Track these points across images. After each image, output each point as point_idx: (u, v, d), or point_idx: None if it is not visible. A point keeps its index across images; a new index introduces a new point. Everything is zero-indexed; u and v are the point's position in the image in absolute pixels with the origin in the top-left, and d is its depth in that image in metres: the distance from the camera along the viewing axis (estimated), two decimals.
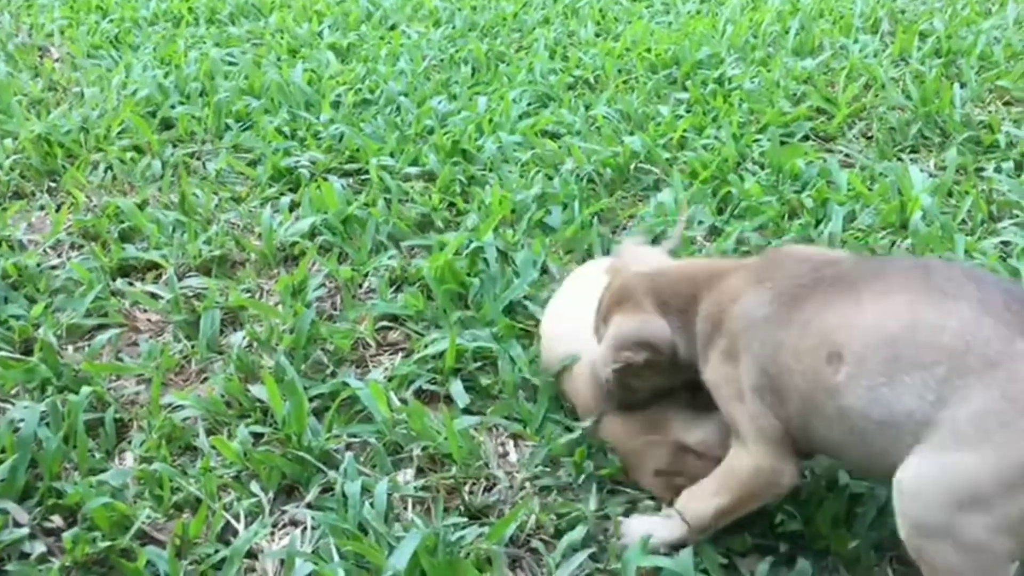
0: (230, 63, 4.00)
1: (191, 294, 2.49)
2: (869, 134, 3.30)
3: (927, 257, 2.42)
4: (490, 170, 3.07)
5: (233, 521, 1.78)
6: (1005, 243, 2.59)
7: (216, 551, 1.70)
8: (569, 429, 1.95)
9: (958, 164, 2.98)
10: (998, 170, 2.95)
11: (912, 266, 1.52)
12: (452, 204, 2.89)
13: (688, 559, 1.62)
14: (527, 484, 1.86)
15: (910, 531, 1.36)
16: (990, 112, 3.38)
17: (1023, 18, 4.28)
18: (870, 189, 2.85)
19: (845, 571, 1.63)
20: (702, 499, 1.63)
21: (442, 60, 4.05)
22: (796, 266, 1.59)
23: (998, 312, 1.36)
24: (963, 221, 2.70)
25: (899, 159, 3.11)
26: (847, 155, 3.16)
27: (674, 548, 1.64)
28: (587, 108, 3.51)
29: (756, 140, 3.19)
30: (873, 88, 3.56)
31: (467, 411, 2.06)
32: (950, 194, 2.85)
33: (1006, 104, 3.47)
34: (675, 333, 1.69)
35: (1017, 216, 2.71)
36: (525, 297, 2.37)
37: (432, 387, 2.13)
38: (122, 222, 2.81)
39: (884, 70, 3.67)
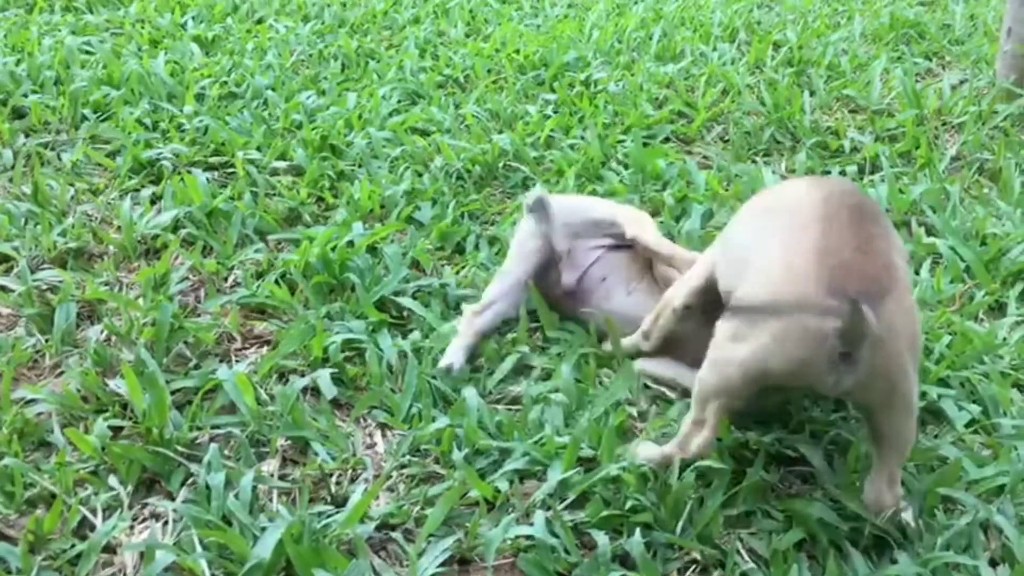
0: (87, 52, 3.86)
1: (45, 287, 2.40)
2: (726, 137, 3.45)
3: None
4: (359, 166, 3.06)
5: (90, 516, 1.73)
6: None
7: (72, 546, 1.65)
8: (434, 418, 1.98)
9: (807, 167, 3.15)
10: (843, 173, 3.14)
11: None
12: (320, 199, 2.88)
13: (543, 527, 1.70)
14: (394, 473, 1.88)
15: None
16: (836, 119, 3.57)
17: (868, 32, 4.54)
18: (726, 189, 2.98)
19: (698, 543, 1.71)
20: None
21: (311, 55, 4.01)
22: None
23: None
24: None
25: (753, 161, 3.26)
26: (705, 157, 3.30)
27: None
28: (457, 107, 3.55)
29: (620, 141, 3.29)
30: (730, 94, 3.72)
31: (335, 402, 2.06)
32: None
33: (851, 112, 3.68)
34: None
35: None
36: (395, 293, 2.38)
37: (299, 379, 2.11)
38: None
39: (740, 77, 3.83)
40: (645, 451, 1.85)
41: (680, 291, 2.07)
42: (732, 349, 1.69)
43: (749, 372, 1.68)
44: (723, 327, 1.74)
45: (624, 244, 2.34)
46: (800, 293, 1.61)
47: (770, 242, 1.75)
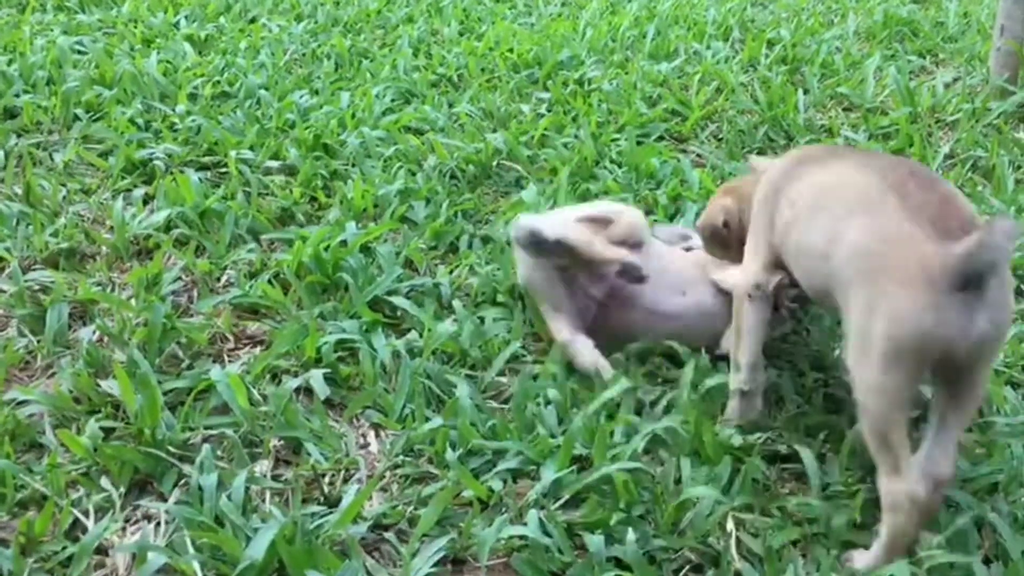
0: (79, 52, 3.85)
1: (37, 287, 2.39)
2: (720, 135, 3.45)
3: None
4: (352, 165, 3.06)
5: (82, 517, 1.73)
6: None
7: (64, 548, 1.65)
8: (428, 418, 1.98)
9: None
10: None
11: None
12: (314, 198, 2.87)
13: (536, 527, 1.69)
14: (387, 473, 1.87)
15: None
16: (830, 117, 3.57)
17: (862, 30, 4.54)
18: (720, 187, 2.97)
19: (692, 542, 1.71)
20: None
21: (304, 55, 4.00)
22: None
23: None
24: None
25: (747, 160, 3.24)
26: (699, 155, 3.29)
27: None
28: (450, 106, 3.54)
29: (614, 139, 3.28)
30: (724, 92, 3.72)
31: (328, 402, 2.06)
32: None
33: (845, 110, 3.68)
34: None
35: None
36: (388, 292, 2.38)
37: (292, 379, 2.11)
38: None
39: (734, 75, 3.83)
40: (862, 561, 1.66)
41: (744, 277, 2.00)
42: (871, 327, 1.58)
43: (899, 344, 1.54)
44: (856, 311, 1.63)
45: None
46: (908, 242, 1.57)
47: (849, 229, 1.68)
